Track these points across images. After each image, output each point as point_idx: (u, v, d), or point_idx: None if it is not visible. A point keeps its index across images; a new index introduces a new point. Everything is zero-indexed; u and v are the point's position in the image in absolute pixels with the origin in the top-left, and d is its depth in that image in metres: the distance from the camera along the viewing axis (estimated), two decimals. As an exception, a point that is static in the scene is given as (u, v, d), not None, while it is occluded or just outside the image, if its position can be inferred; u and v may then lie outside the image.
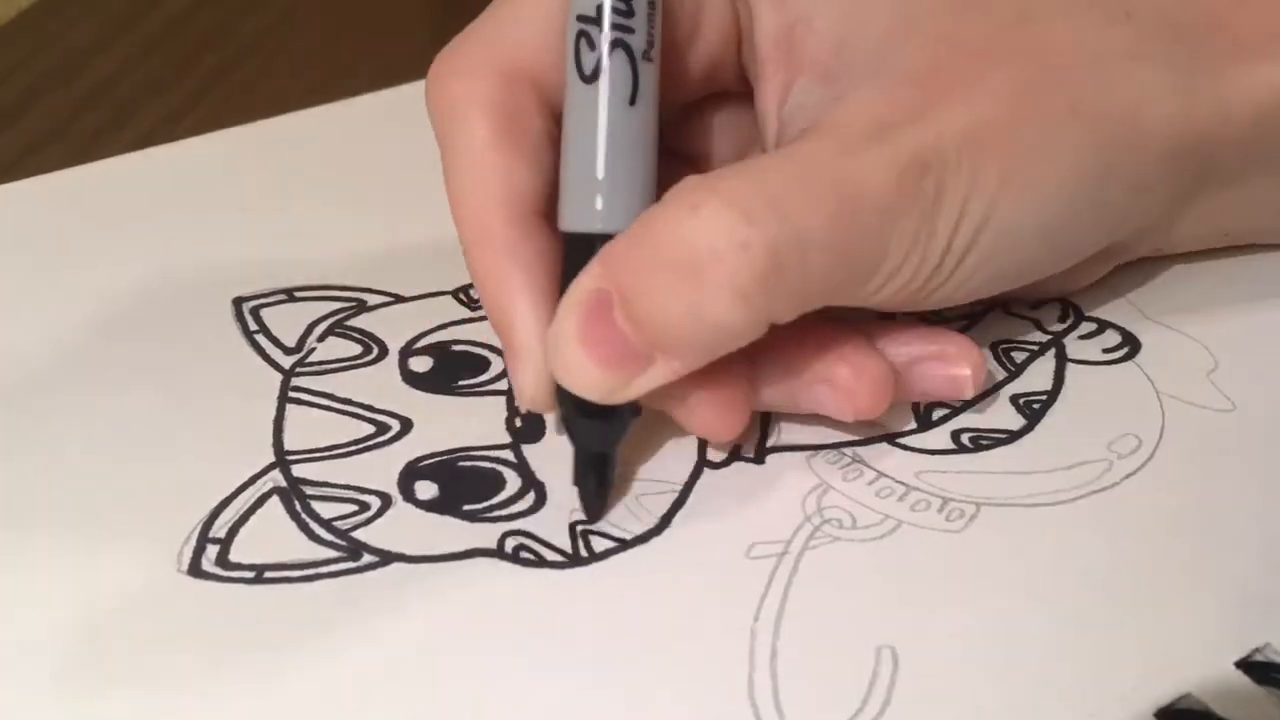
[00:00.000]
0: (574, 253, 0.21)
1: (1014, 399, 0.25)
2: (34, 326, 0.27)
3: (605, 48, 0.21)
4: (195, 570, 0.22)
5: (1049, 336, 0.26)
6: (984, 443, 0.24)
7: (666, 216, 0.20)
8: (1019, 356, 0.26)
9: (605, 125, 0.21)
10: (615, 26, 0.21)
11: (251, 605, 0.21)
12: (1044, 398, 0.25)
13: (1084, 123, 0.22)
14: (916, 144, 0.21)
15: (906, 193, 0.20)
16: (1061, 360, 0.26)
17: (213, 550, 0.22)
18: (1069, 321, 0.27)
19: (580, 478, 0.22)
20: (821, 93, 0.22)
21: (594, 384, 0.21)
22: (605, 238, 0.21)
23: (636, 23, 0.21)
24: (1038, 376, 0.25)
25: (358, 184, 0.32)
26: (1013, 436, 0.24)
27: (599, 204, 0.21)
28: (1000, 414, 0.25)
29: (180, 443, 0.24)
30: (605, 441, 0.22)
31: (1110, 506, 0.22)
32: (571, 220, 0.22)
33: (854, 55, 0.22)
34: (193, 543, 0.22)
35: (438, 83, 0.23)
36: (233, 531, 0.22)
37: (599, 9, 0.21)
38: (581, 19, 0.21)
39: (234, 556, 0.22)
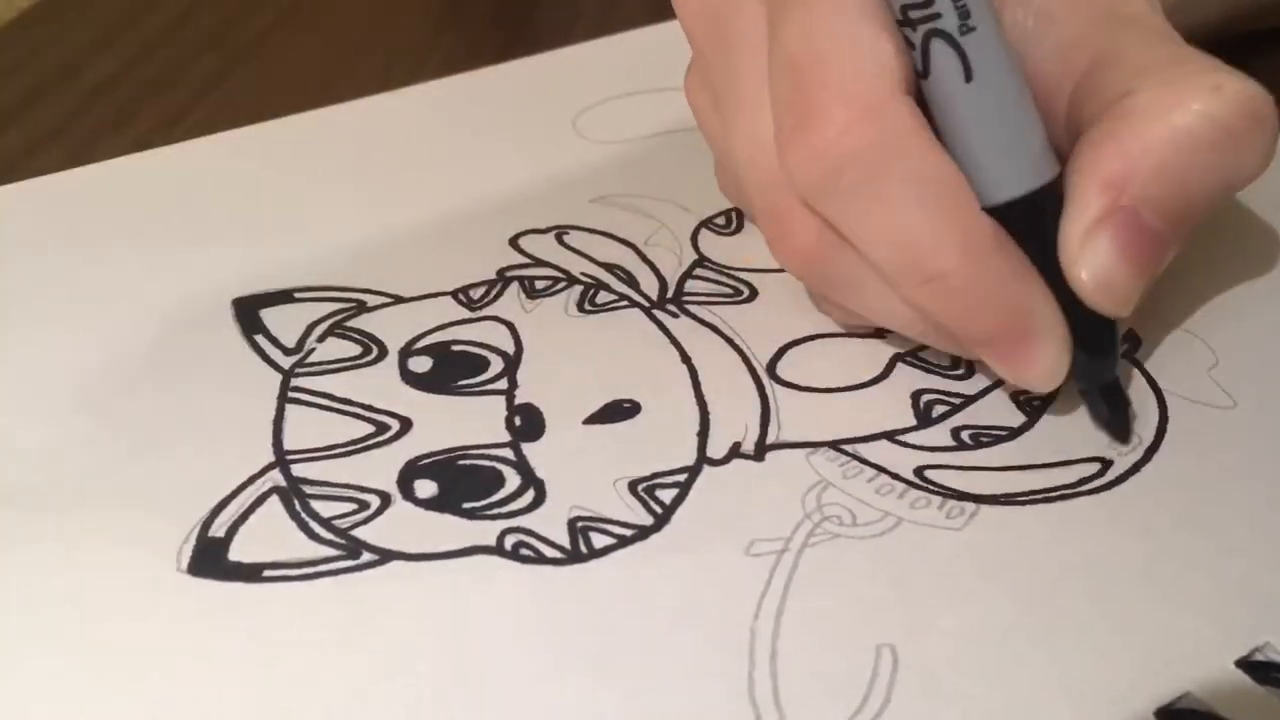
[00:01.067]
0: (1012, 220, 0.22)
1: (1014, 396, 0.25)
2: (33, 327, 0.27)
3: (918, 42, 0.22)
4: (195, 569, 0.22)
5: (1049, 334, 0.26)
6: (984, 439, 0.24)
7: (1187, 111, 0.21)
8: (1019, 354, 0.26)
9: (968, 109, 0.22)
10: (918, 21, 0.21)
11: (251, 604, 0.21)
12: (1044, 395, 0.25)
13: None
14: None
15: None
16: (1062, 357, 0.26)
17: (212, 549, 0.22)
18: (1068, 318, 0.27)
19: (1104, 412, 0.24)
20: (1028, 15, 0.23)
21: (1134, 295, 0.22)
22: (1038, 192, 0.22)
23: (940, 6, 0.21)
24: (1038, 374, 0.26)
25: (357, 186, 0.32)
26: (1013, 433, 0.24)
27: (1018, 169, 0.22)
28: (1000, 411, 0.25)
29: (179, 442, 0.24)
30: (1114, 367, 0.24)
31: (1110, 504, 0.22)
32: (1004, 192, 0.22)
33: None
34: (192, 542, 0.22)
35: (833, 144, 0.22)
36: (232, 530, 0.22)
37: (903, 10, 0.21)
38: (900, 24, 0.22)
39: (233, 555, 0.22)
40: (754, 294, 0.28)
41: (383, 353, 0.26)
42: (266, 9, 0.41)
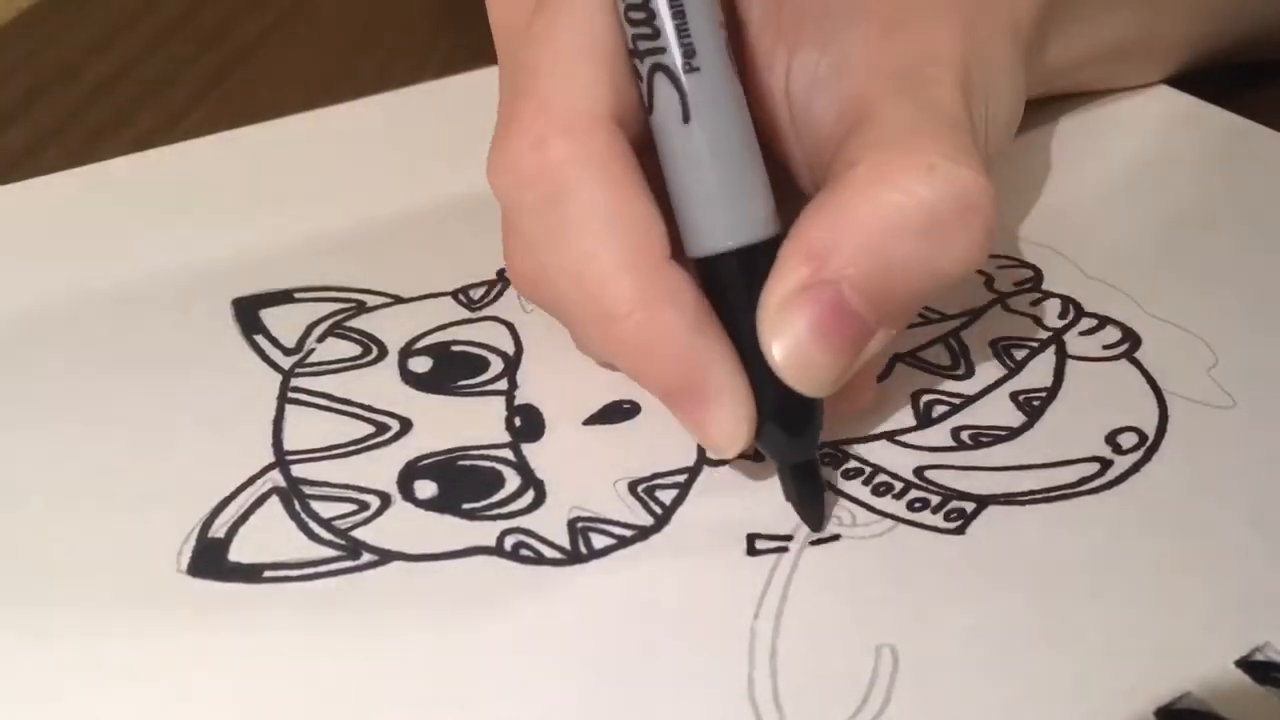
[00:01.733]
0: (715, 275, 0.21)
1: (1014, 396, 0.25)
2: (33, 327, 0.27)
3: (644, 74, 0.21)
4: (195, 570, 0.22)
5: (1049, 333, 0.26)
6: (983, 440, 0.24)
7: (896, 188, 0.20)
8: (1019, 354, 0.26)
9: (683, 150, 0.21)
10: (645, 53, 0.21)
11: (251, 604, 0.21)
12: (1044, 394, 0.25)
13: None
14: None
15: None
16: (1062, 357, 0.26)
17: (212, 549, 0.22)
18: (1069, 318, 0.27)
19: (794, 492, 0.22)
20: (821, 59, 0.23)
21: (830, 377, 0.21)
22: (747, 249, 0.21)
23: (664, 41, 0.20)
24: (1038, 374, 0.25)
25: (358, 186, 0.32)
26: (1012, 433, 0.24)
27: (726, 221, 0.21)
28: (1000, 411, 0.25)
29: (179, 443, 0.24)
30: (810, 447, 0.22)
31: (1110, 503, 0.22)
32: (709, 243, 0.21)
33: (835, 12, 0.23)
34: (192, 542, 0.22)
35: (524, 157, 0.21)
36: (232, 531, 0.22)
37: (633, 39, 0.21)
38: (630, 54, 0.21)
39: (233, 556, 0.22)
40: (754, 294, 0.28)
41: (382, 353, 0.27)
42: (266, 9, 0.41)
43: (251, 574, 0.22)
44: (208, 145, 0.34)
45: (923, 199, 0.20)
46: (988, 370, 0.26)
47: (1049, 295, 0.28)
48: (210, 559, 0.22)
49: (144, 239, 0.30)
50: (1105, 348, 0.26)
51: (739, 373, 0.21)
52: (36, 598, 0.21)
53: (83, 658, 0.20)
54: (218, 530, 0.22)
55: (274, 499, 0.23)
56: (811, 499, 0.22)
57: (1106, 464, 0.23)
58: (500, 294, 0.28)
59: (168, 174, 0.32)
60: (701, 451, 0.24)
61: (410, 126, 0.34)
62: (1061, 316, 0.27)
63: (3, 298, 0.28)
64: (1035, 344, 0.26)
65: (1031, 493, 0.23)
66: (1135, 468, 0.23)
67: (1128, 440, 0.24)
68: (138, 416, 0.25)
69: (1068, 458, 0.23)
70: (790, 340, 0.20)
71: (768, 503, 0.23)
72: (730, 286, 0.21)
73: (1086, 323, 0.27)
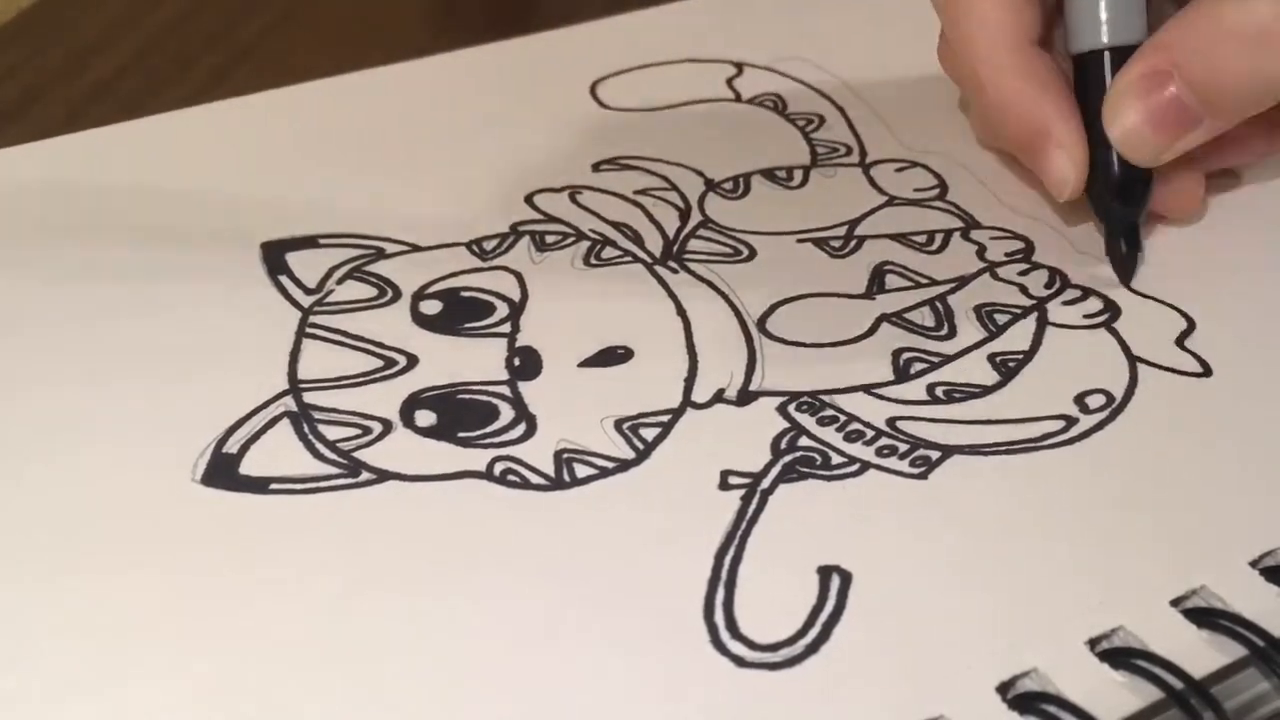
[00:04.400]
0: (1086, 70, 0.27)
1: (991, 357, 0.26)
2: (77, 259, 0.29)
3: None
4: (208, 479, 0.24)
5: (1033, 301, 0.27)
6: (956, 395, 0.25)
7: (1232, 3, 0.25)
8: (1001, 319, 0.27)
9: None
10: None
11: (257, 514, 0.23)
12: (1020, 357, 0.26)
13: None
14: None
15: None
16: (1042, 324, 0.27)
17: (225, 463, 0.24)
18: (1054, 288, 0.28)
19: (1113, 249, 0.28)
20: None
21: (1147, 147, 0.26)
22: (1115, 50, 0.27)
23: None
24: (1017, 338, 0.27)
25: (383, 148, 0.33)
26: (985, 391, 0.25)
27: (1107, 22, 0.27)
28: (976, 370, 0.26)
29: (202, 369, 0.26)
30: (1135, 214, 0.27)
31: (1073, 458, 0.24)
32: (1083, 41, 0.27)
33: None
34: (207, 456, 0.24)
35: None
36: (244, 448, 0.24)
37: None
38: None
39: (244, 470, 0.24)
40: (753, 254, 0.29)
41: (396, 295, 0.28)
42: (266, 9, 0.41)
43: (259, 486, 0.23)
44: (242, 104, 0.35)
45: (1254, 11, 0.25)
46: (969, 333, 0.27)
47: (1037, 266, 0.29)
48: (222, 471, 0.24)
49: (187, 189, 0.32)
50: (1085, 317, 0.27)
51: (1077, 131, 0.27)
52: (58, 501, 0.23)
53: (90, 552, 0.22)
54: (231, 446, 0.24)
55: (285, 421, 0.25)
56: (1131, 259, 0.28)
57: (1072, 421, 0.24)
58: (511, 246, 0.30)
59: (210, 129, 0.34)
60: (687, 395, 0.25)
61: (435, 92, 0.36)
62: (1047, 286, 0.28)
63: (52, 233, 0.30)
64: (1018, 310, 0.27)
65: (995, 445, 0.24)
66: (1099, 426, 0.24)
67: (1095, 401, 0.25)
68: (165, 343, 0.27)
69: (1035, 415, 0.24)
70: (1126, 117, 0.26)
71: (744, 444, 0.24)
72: (1094, 82, 0.27)
73: (1070, 293, 0.28)
